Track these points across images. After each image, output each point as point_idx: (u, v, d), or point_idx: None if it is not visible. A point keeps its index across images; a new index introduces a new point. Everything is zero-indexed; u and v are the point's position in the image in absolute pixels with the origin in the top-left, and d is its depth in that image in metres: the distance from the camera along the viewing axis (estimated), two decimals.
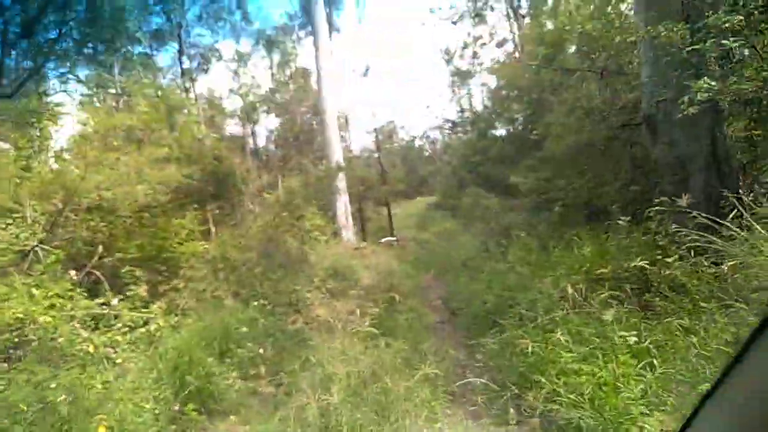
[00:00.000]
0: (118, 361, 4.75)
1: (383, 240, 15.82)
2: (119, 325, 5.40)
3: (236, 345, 5.66)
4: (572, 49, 13.56)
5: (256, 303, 6.86)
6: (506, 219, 11.63)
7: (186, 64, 16.94)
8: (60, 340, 4.40)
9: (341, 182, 15.45)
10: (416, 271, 11.45)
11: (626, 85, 7.80)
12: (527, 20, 23.61)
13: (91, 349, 4.45)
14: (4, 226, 6.09)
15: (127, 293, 6.14)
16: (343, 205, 15.20)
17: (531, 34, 22.08)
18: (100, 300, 5.69)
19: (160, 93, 13.00)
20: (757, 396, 0.96)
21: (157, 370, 4.75)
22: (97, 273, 6.54)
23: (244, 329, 5.98)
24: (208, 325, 5.91)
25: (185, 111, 13.77)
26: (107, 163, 7.88)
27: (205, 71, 18.43)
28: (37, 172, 8.63)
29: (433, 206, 29.91)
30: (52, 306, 4.77)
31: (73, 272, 5.83)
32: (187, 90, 16.02)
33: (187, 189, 10.37)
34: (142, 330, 5.53)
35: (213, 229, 12.16)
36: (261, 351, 5.76)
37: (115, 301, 5.75)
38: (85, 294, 5.63)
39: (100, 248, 6.89)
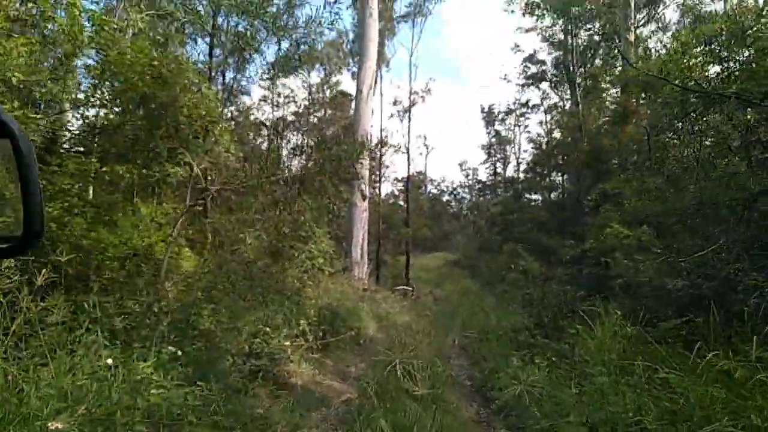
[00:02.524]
0: None
1: (398, 288, 13.71)
2: None
3: None
4: None
5: (192, 347, 4.62)
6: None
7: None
8: None
9: (363, 214, 13.61)
10: (435, 329, 9.27)
11: None
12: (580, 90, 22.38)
13: None
14: None
15: None
16: (360, 239, 13.26)
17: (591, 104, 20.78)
18: None
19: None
20: None
21: None
22: None
23: None
24: None
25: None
26: None
27: (241, 70, 16.98)
28: None
29: (451, 263, 28.04)
30: None
31: None
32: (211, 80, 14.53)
33: None
34: None
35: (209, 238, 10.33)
36: None
37: None
38: None
39: None
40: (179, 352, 3.92)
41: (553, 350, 5.56)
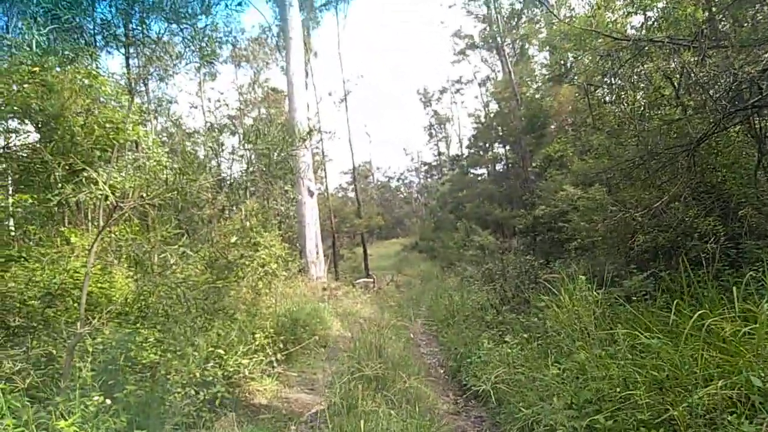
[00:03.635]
0: None
1: (359, 281, 13.37)
2: None
3: None
4: None
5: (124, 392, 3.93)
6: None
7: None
8: None
9: (312, 211, 13.13)
10: (401, 319, 9.00)
11: None
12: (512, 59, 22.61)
13: None
14: None
15: None
16: (313, 236, 12.80)
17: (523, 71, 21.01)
18: None
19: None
20: None
21: None
22: None
23: None
24: None
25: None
26: None
27: (161, 78, 15.94)
28: None
29: (409, 247, 28.02)
30: None
31: None
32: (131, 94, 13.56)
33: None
34: None
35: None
36: None
37: None
38: None
39: None
40: (108, 401, 3.38)
41: (522, 325, 5.37)
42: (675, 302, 3.17)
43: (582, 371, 3.28)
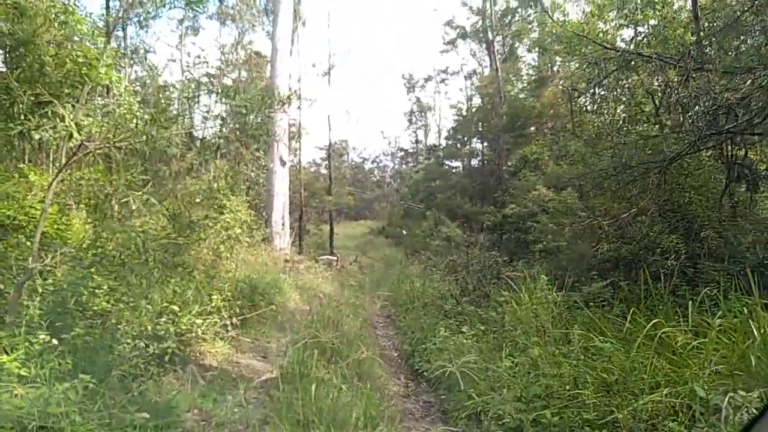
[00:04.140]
0: None
1: (322, 257, 13.29)
2: None
3: None
4: None
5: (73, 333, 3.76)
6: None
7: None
8: None
9: (282, 181, 12.91)
10: (360, 299, 9.02)
11: None
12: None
13: None
14: None
15: None
16: (281, 207, 12.62)
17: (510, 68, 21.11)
18: None
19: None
20: None
21: None
22: None
23: None
24: None
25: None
26: None
27: (141, 25, 15.21)
28: None
29: (375, 231, 28.00)
30: None
31: None
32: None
33: None
34: None
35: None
36: None
37: None
38: None
39: None
40: (54, 341, 3.27)
41: (480, 318, 5.46)
42: (631, 311, 3.27)
43: (534, 366, 3.36)
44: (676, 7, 7.34)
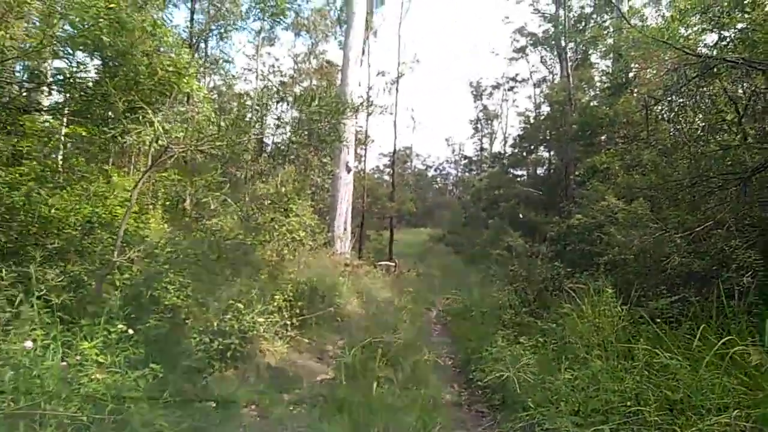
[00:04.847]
0: None
1: (381, 263, 13.42)
2: None
3: None
4: None
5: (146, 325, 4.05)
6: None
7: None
8: None
9: (347, 187, 13.21)
10: (417, 306, 9.02)
11: None
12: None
13: None
14: None
15: None
16: (344, 212, 12.90)
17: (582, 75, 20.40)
18: None
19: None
20: None
21: None
22: None
23: None
24: None
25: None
26: None
27: (221, 36, 16.13)
28: None
29: (436, 238, 27.83)
30: None
31: None
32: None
33: None
34: None
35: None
36: None
37: None
38: None
39: None
40: (130, 330, 3.55)
41: (539, 329, 5.32)
42: (701, 327, 3.09)
43: (594, 380, 3.24)
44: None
